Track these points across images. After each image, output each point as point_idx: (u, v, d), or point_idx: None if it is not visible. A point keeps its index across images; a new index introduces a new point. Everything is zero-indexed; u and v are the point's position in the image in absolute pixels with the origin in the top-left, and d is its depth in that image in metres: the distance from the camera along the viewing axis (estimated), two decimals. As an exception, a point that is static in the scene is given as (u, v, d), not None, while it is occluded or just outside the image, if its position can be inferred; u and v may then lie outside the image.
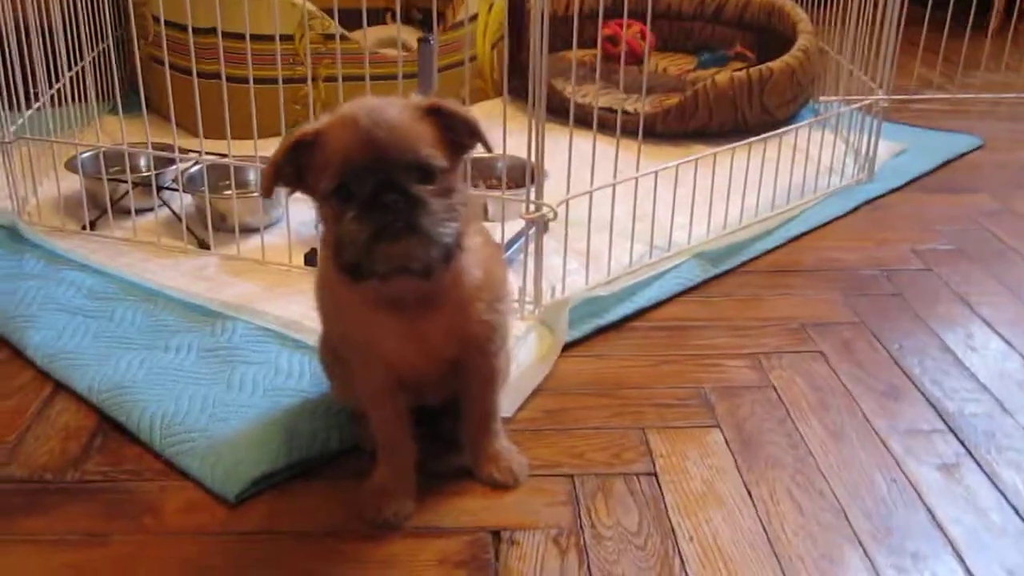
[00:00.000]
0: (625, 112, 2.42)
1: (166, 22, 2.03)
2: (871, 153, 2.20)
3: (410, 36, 2.67)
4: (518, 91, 2.42)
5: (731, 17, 2.83)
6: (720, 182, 1.89)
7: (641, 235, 1.81)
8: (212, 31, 1.89)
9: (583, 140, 1.65)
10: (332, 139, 1.05)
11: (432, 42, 1.70)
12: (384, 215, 1.02)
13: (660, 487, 1.29)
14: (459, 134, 1.11)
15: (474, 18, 2.49)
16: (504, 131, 1.55)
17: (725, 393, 1.49)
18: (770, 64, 2.34)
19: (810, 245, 1.95)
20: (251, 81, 1.71)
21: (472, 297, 1.17)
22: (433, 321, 1.15)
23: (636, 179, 1.73)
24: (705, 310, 1.72)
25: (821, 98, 2.26)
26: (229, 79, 1.82)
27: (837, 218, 2.05)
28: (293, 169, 1.09)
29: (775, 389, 1.50)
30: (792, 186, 2.07)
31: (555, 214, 1.60)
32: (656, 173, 1.78)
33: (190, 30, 1.73)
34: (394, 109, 1.06)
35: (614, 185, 1.70)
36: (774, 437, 1.39)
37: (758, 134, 2.00)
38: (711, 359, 1.57)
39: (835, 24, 2.36)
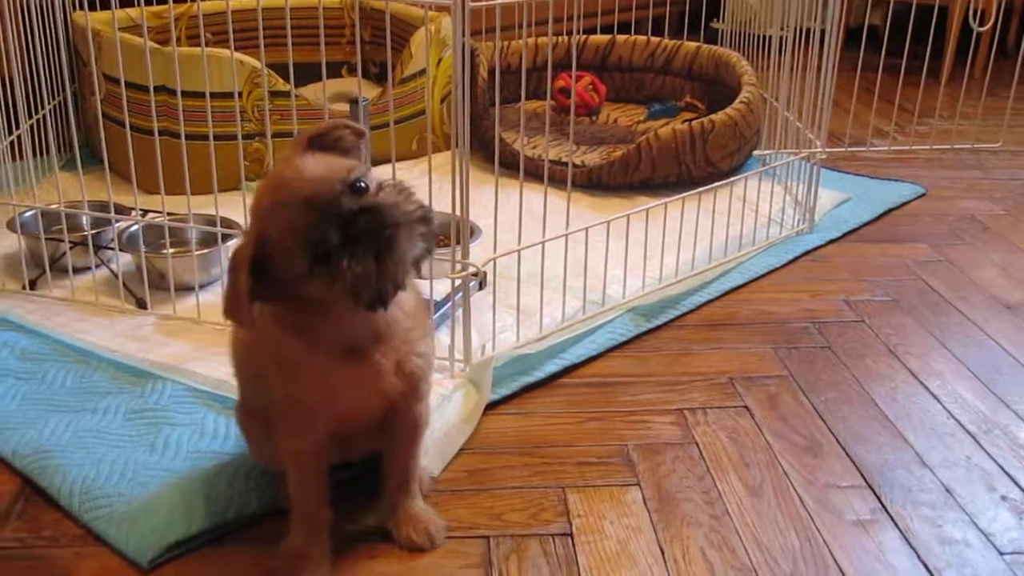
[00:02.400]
0: (563, 163, 2.45)
1: (111, 79, 2.07)
2: (811, 203, 2.23)
3: (367, 90, 2.71)
4: (471, 145, 2.48)
5: (680, 68, 2.87)
6: (658, 236, 1.91)
7: (576, 290, 1.83)
8: (157, 88, 1.92)
9: (534, 193, 1.70)
10: (274, 231, 1.06)
11: (362, 102, 1.73)
12: (367, 238, 1.04)
13: (575, 548, 1.30)
14: (340, 140, 1.15)
15: (423, 73, 2.53)
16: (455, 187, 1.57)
17: (648, 450, 1.50)
18: (712, 117, 2.38)
19: (745, 298, 1.97)
20: (183, 137, 1.74)
21: (412, 325, 1.19)
22: (387, 356, 1.17)
23: (566, 236, 1.75)
24: (635, 366, 1.73)
25: (760, 150, 2.29)
26: (166, 135, 1.84)
27: (774, 270, 2.08)
28: (261, 286, 1.08)
29: (698, 445, 1.52)
30: (731, 238, 2.10)
31: (483, 274, 1.62)
32: (587, 229, 1.80)
33: (122, 85, 1.75)
34: (293, 166, 1.08)
35: (543, 243, 1.72)
36: (692, 495, 1.41)
37: (702, 186, 2.03)
38: (637, 415, 1.59)
39: (776, 75, 2.40)
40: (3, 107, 2.04)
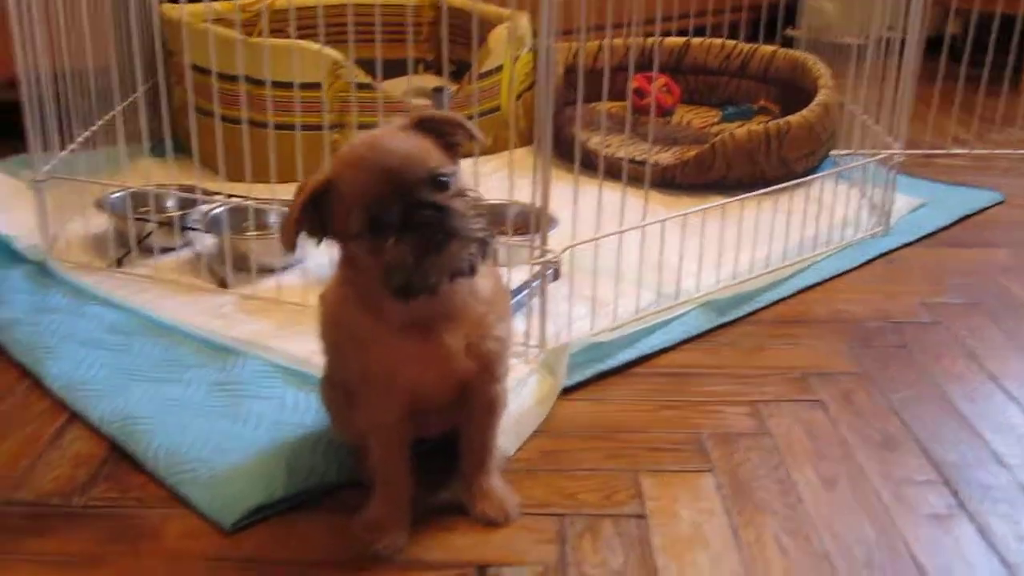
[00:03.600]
0: (641, 163, 2.46)
1: (200, 69, 2.12)
2: (887, 206, 2.21)
3: (429, 83, 2.74)
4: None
5: (756, 71, 2.87)
6: (733, 233, 1.92)
7: (650, 283, 1.84)
8: (237, 78, 1.96)
9: (610, 190, 1.70)
10: (345, 182, 1.10)
11: (446, 91, 1.76)
12: (422, 232, 1.08)
13: (648, 529, 1.31)
14: (449, 135, 1.16)
15: (500, 69, 2.56)
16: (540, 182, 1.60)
17: (721, 439, 1.50)
18: (788, 118, 2.37)
19: (819, 297, 1.97)
20: (271, 126, 1.79)
21: (486, 311, 1.21)
22: (453, 338, 1.19)
23: (642, 227, 1.76)
24: (708, 358, 1.74)
25: (837, 151, 2.27)
26: (252, 124, 1.89)
27: (849, 270, 2.06)
28: (313, 220, 1.13)
29: (772, 436, 1.51)
30: (805, 238, 2.09)
31: (557, 265, 1.63)
32: (663, 222, 1.81)
33: (214, 75, 1.80)
34: (390, 135, 1.12)
35: (620, 233, 1.73)
36: (766, 483, 1.41)
37: (781, 190, 2.03)
38: (710, 406, 1.59)
39: (855, 78, 2.38)
40: (93, 94, 2.09)
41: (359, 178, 1.09)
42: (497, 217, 1.94)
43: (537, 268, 1.65)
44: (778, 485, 1.40)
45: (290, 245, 1.14)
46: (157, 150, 2.07)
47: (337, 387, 1.33)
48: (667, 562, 1.25)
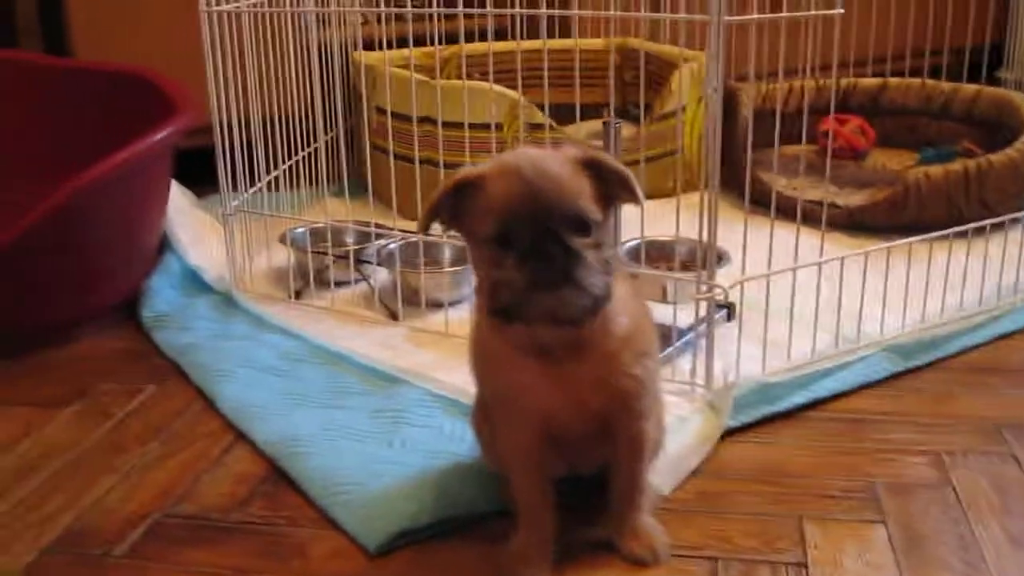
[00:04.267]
0: (832, 205, 2.36)
1: (381, 110, 2.19)
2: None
3: (629, 130, 2.73)
4: (727, 185, 2.43)
5: (959, 112, 2.71)
6: (921, 276, 1.80)
7: (828, 325, 1.74)
8: (421, 119, 2.02)
9: (790, 231, 1.64)
10: (494, 185, 1.09)
11: (616, 125, 1.74)
12: (543, 264, 1.06)
13: (808, 578, 1.22)
14: (612, 187, 1.13)
15: (683, 110, 2.52)
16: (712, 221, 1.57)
17: (897, 489, 1.40)
18: (990, 157, 2.22)
19: (1017, 345, 1.81)
20: (441, 165, 1.82)
21: (619, 348, 1.17)
22: (580, 370, 1.16)
23: (819, 265, 1.68)
24: (889, 404, 1.62)
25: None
26: (426, 163, 1.92)
27: (1055, 319, 1.90)
28: (452, 209, 1.14)
29: (955, 489, 1.39)
30: (1005, 284, 1.94)
31: (725, 295, 1.57)
32: (842, 259, 1.71)
33: (388, 115, 1.84)
34: (555, 161, 1.10)
35: (794, 269, 1.65)
36: (945, 538, 1.29)
37: (981, 232, 1.89)
38: (887, 454, 1.48)
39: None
40: (284, 139, 2.18)
41: (508, 186, 1.08)
42: (665, 253, 1.90)
43: (706, 305, 1.60)
44: (958, 540, 1.29)
45: (424, 225, 1.15)
46: (339, 193, 2.14)
47: (486, 415, 1.31)
48: (827, 615, 1.16)
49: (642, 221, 1.66)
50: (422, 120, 2.11)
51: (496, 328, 1.16)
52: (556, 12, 1.78)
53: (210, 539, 1.32)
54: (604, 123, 1.73)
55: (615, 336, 1.17)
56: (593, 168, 1.12)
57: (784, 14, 1.53)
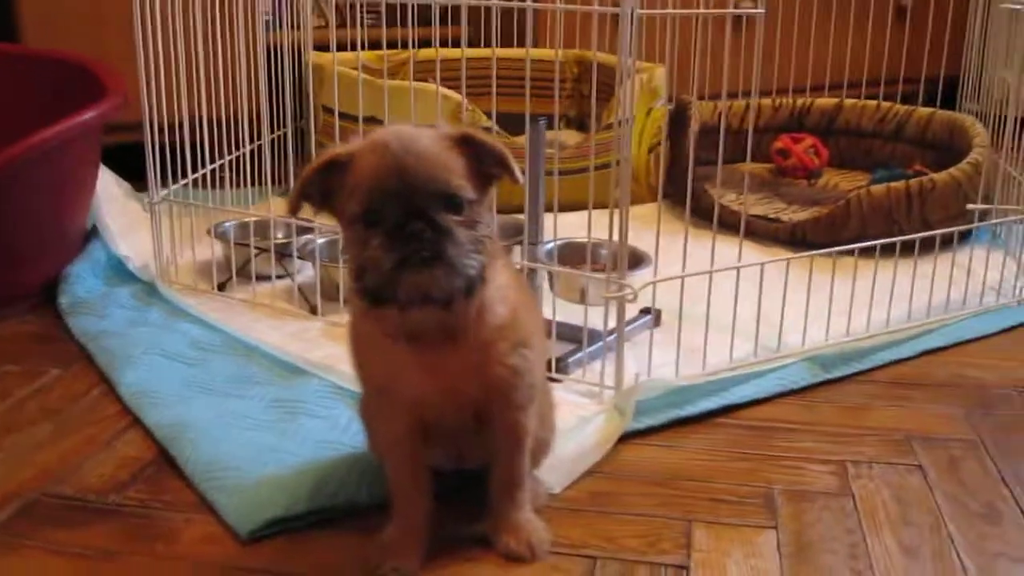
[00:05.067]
0: (776, 220, 2.34)
1: (328, 110, 2.17)
2: (1038, 273, 2.01)
3: (569, 138, 2.71)
4: (673, 197, 2.41)
5: (912, 135, 2.69)
6: (848, 290, 1.77)
7: (748, 334, 1.71)
8: (370, 119, 1.99)
9: (727, 246, 1.64)
10: (362, 163, 1.06)
11: (542, 122, 1.71)
12: (410, 243, 1.02)
13: (687, 581, 1.18)
14: (488, 165, 1.10)
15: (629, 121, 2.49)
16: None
17: (794, 496, 1.36)
18: (933, 176, 2.20)
19: (943, 360, 1.78)
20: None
21: (495, 336, 1.14)
22: (453, 357, 1.12)
23: (737, 269, 1.65)
24: (802, 413, 1.59)
25: (972, 206, 2.06)
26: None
27: (984, 336, 1.87)
28: (322, 189, 1.10)
29: (854, 498, 1.36)
30: (936, 302, 1.91)
31: (635, 295, 1.54)
32: (762, 265, 1.69)
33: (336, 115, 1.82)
34: (425, 137, 1.07)
35: (711, 272, 1.62)
36: (835, 546, 1.26)
37: (912, 251, 1.87)
38: (791, 461, 1.45)
39: (1014, 137, 2.18)
40: (229, 136, 2.15)
41: (375, 163, 1.05)
42: (594, 256, 1.87)
43: (625, 307, 1.57)
44: (848, 549, 1.25)
45: (293, 205, 1.11)
46: (285, 192, 2.12)
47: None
48: (700, 617, 1.12)
49: (555, 222, 1.65)
50: (368, 120, 2.08)
51: (368, 313, 1.12)
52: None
53: (82, 520, 1.28)
54: (532, 118, 1.70)
55: (490, 325, 1.13)
56: (467, 145, 1.09)
57: (700, 10, 1.51)
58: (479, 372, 1.14)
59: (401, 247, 1.03)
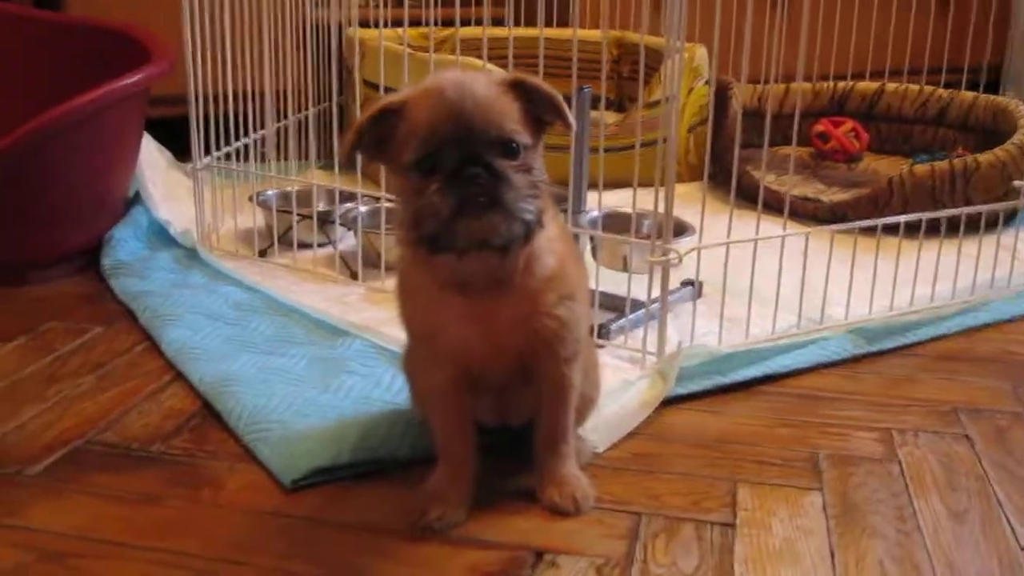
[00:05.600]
0: (809, 199, 2.32)
1: (370, 84, 2.17)
2: (1086, 254, 1.98)
3: (609, 118, 2.70)
4: (716, 177, 2.40)
5: (955, 119, 2.67)
6: (891, 266, 1.75)
7: (792, 305, 1.70)
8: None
9: (770, 224, 1.65)
10: (418, 110, 1.05)
11: (586, 91, 1.71)
12: (468, 188, 1.02)
13: (733, 538, 1.17)
14: (541, 110, 1.10)
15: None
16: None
17: (840, 461, 1.35)
18: (978, 156, 2.18)
19: (988, 336, 1.76)
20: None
21: (543, 287, 1.13)
22: (501, 307, 1.12)
23: (782, 238, 1.63)
24: (846, 383, 1.58)
25: (1019, 182, 2.04)
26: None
27: (1030, 315, 1.85)
28: (376, 138, 1.09)
29: (900, 464, 1.34)
30: (981, 280, 1.89)
31: (680, 260, 1.53)
32: (807, 236, 1.67)
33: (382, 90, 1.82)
34: (480, 83, 1.06)
35: (755, 240, 1.61)
36: (881, 508, 1.24)
37: (957, 230, 1.85)
38: (835, 428, 1.44)
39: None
40: (275, 111, 2.16)
41: (429, 110, 1.04)
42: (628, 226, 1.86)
43: (669, 273, 1.56)
44: (895, 511, 1.24)
45: (346, 154, 1.11)
46: (327, 165, 2.12)
47: (413, 356, 1.28)
48: (746, 572, 1.11)
49: (599, 194, 1.65)
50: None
51: (419, 261, 1.12)
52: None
53: (126, 466, 1.29)
54: (578, 89, 1.70)
55: (539, 276, 1.13)
56: (521, 90, 1.08)
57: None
58: (526, 323, 1.14)
59: (459, 192, 1.02)
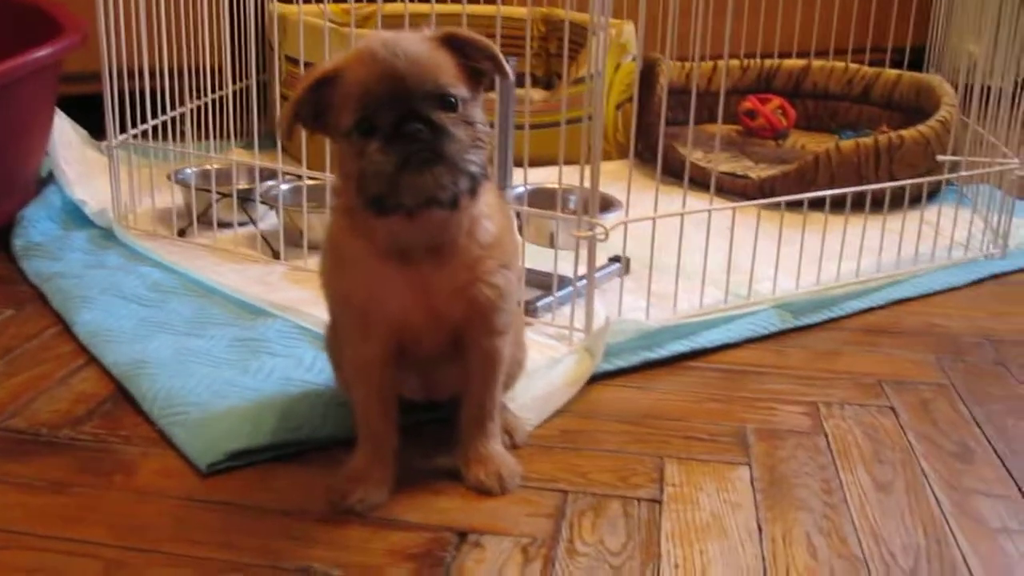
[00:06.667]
0: (744, 177, 2.32)
1: (292, 60, 2.12)
2: (1005, 228, 2.00)
3: (536, 95, 2.67)
4: (643, 154, 2.39)
5: (879, 97, 2.69)
6: (819, 242, 1.75)
7: (719, 282, 1.69)
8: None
9: (696, 200, 1.64)
10: (351, 74, 1.03)
11: (512, 61, 1.67)
12: (409, 144, 1.00)
13: (660, 514, 1.16)
14: (476, 60, 1.08)
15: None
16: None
17: (767, 435, 1.34)
18: (901, 132, 2.19)
19: (914, 310, 1.77)
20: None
21: (483, 255, 1.11)
22: (441, 274, 1.10)
23: (708, 212, 1.63)
24: (773, 358, 1.57)
25: (942, 157, 2.06)
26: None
27: (953, 288, 1.86)
28: (313, 110, 1.07)
29: (826, 436, 1.34)
30: (905, 255, 1.90)
31: (606, 235, 1.51)
32: (734, 209, 1.67)
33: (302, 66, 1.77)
34: (411, 40, 1.04)
35: (681, 215, 1.60)
36: (808, 481, 1.24)
37: (882, 206, 1.86)
38: (763, 402, 1.43)
39: (981, 102, 2.16)
40: (190, 88, 2.09)
41: (362, 72, 1.02)
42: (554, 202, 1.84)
43: (596, 249, 1.54)
44: (822, 484, 1.23)
45: (286, 130, 1.08)
46: (247, 144, 2.06)
47: (337, 335, 1.24)
48: (673, 548, 1.10)
49: (524, 171, 1.62)
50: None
51: (355, 230, 1.10)
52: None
53: (33, 453, 1.24)
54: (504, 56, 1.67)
55: (480, 242, 1.11)
56: (453, 45, 1.06)
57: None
58: (464, 291, 1.11)
59: (400, 149, 1.00)
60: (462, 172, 1.02)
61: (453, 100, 1.03)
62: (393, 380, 1.18)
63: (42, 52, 1.79)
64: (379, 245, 1.08)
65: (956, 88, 2.44)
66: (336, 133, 1.07)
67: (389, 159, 1.00)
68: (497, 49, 1.08)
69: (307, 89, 1.06)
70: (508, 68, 1.10)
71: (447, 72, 1.04)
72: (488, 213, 1.12)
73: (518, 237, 1.23)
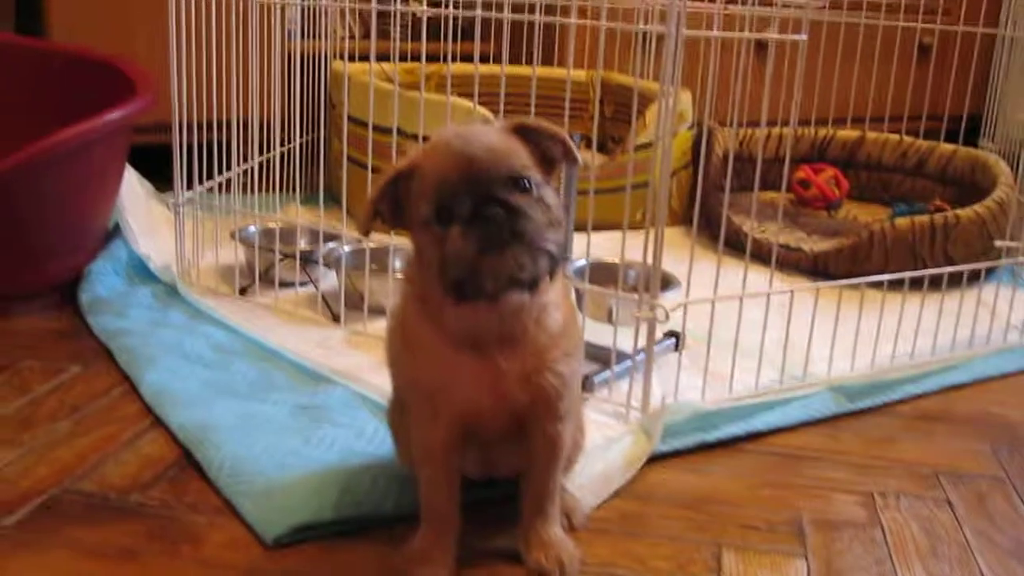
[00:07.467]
0: (797, 250, 2.33)
1: (355, 120, 2.17)
2: (1063, 314, 2.00)
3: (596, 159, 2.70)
4: (699, 224, 2.41)
5: (933, 171, 2.70)
6: (875, 323, 1.76)
7: (775, 361, 1.70)
8: (389, 130, 1.99)
9: (752, 274, 1.64)
10: (427, 166, 1.06)
11: (577, 137, 1.70)
12: (487, 227, 1.02)
13: (719, 605, 1.17)
14: (546, 147, 1.11)
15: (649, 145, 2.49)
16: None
17: (823, 525, 1.35)
18: (958, 212, 2.20)
19: (967, 396, 1.77)
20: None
21: (551, 343, 1.13)
22: (511, 363, 1.12)
23: (767, 295, 1.64)
24: (828, 442, 1.58)
25: (1000, 242, 2.07)
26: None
27: (1008, 375, 1.86)
28: (391, 205, 1.11)
29: (883, 529, 1.35)
30: (960, 337, 1.90)
31: (666, 315, 1.53)
32: (792, 292, 1.68)
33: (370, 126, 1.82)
34: (484, 130, 1.08)
35: (741, 297, 1.61)
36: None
37: (938, 286, 1.87)
38: (818, 490, 1.44)
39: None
40: (259, 142, 2.14)
41: (438, 162, 1.05)
42: (614, 276, 1.86)
43: (650, 328, 1.56)
44: (878, 579, 1.24)
45: (365, 226, 1.12)
46: (310, 200, 2.10)
47: (401, 409, 1.27)
48: (732, 642, 1.11)
49: (588, 242, 1.65)
50: (399, 132, 2.08)
51: (429, 317, 1.12)
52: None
53: (103, 518, 1.26)
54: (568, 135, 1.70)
55: (547, 330, 1.13)
56: (524, 133, 1.10)
57: (745, 33, 1.51)
58: (531, 378, 1.13)
59: (479, 232, 1.02)
60: (541, 252, 1.04)
61: (527, 183, 1.05)
62: (459, 461, 1.20)
63: (115, 115, 1.84)
64: (452, 334, 1.11)
65: (1008, 158, 2.45)
66: (415, 225, 1.09)
67: (469, 243, 1.02)
68: (567, 135, 1.12)
69: (385, 184, 1.10)
70: (577, 153, 1.13)
71: (520, 157, 1.07)
72: (556, 302, 1.15)
73: (580, 322, 1.25)
